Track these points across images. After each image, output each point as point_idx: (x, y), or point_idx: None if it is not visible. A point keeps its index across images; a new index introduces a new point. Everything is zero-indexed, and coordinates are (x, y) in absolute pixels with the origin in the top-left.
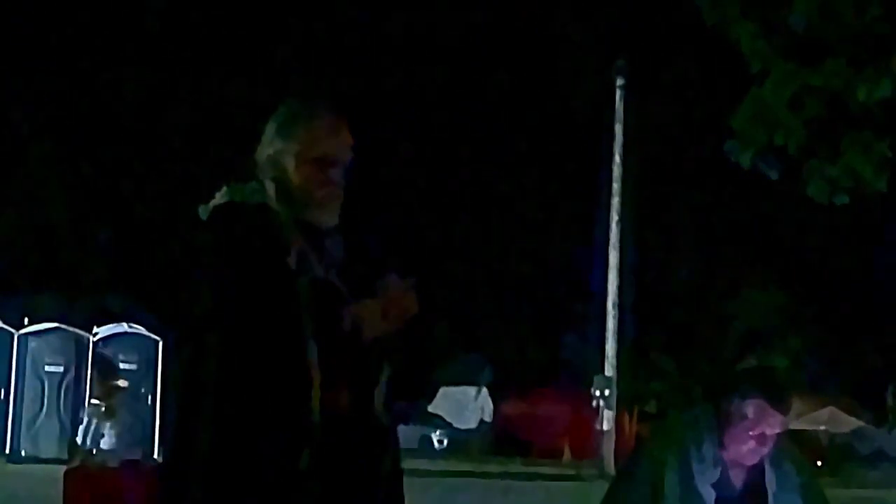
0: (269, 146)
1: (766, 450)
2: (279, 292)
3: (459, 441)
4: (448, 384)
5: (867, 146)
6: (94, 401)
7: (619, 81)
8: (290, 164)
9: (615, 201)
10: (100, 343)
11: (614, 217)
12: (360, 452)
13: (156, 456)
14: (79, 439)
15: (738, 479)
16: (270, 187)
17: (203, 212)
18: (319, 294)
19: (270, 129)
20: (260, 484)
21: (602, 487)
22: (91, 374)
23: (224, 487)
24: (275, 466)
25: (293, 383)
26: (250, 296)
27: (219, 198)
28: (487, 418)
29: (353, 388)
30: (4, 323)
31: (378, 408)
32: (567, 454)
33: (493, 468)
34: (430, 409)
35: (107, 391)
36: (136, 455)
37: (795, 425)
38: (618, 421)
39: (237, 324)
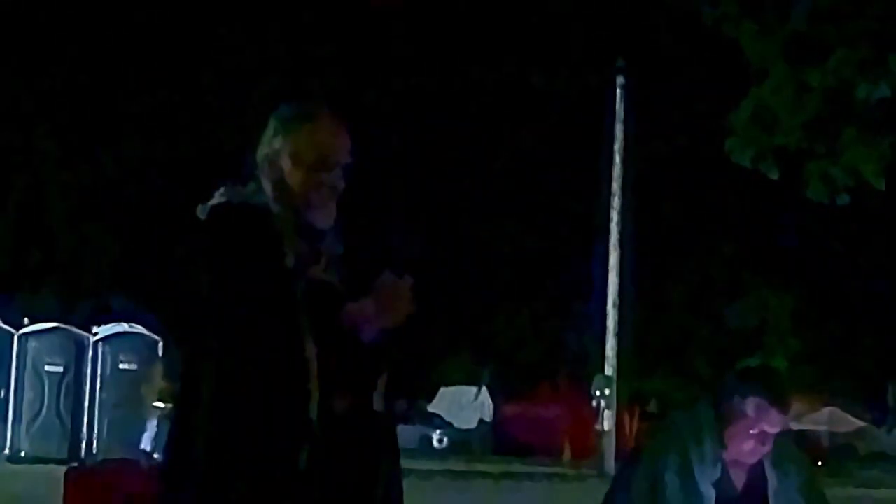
0: (267, 146)
1: (766, 449)
2: (277, 292)
3: (459, 441)
4: (448, 384)
5: (867, 146)
6: (157, 403)
7: (620, 81)
8: (287, 164)
9: (615, 201)
10: (100, 343)
11: (614, 217)
12: (359, 452)
13: (156, 456)
14: (146, 446)
15: (738, 478)
16: (268, 187)
17: (201, 212)
18: (317, 294)
19: (269, 129)
20: (258, 483)
21: (602, 487)
22: (157, 374)
23: (222, 487)
24: (273, 466)
25: (291, 383)
26: (248, 296)
27: (217, 197)
28: (487, 418)
29: (352, 388)
30: (4, 323)
31: (377, 407)
32: (567, 454)
33: (493, 468)
34: (430, 409)
35: (172, 393)
36: (137, 455)
37: (795, 425)
38: (618, 421)
39: (235, 324)
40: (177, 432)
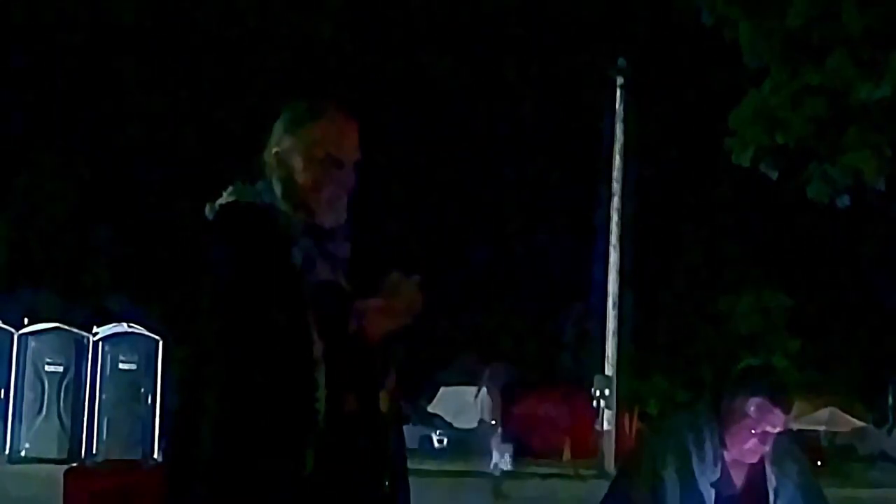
0: (276, 145)
1: (767, 448)
2: (285, 292)
3: (459, 441)
4: (448, 384)
5: (867, 146)
6: None
7: (619, 81)
8: (296, 163)
9: (615, 201)
10: (101, 343)
11: (614, 217)
12: (366, 453)
13: (155, 456)
14: None
15: (738, 478)
16: (277, 186)
17: (210, 211)
18: (325, 294)
19: (279, 127)
20: (264, 485)
21: (602, 487)
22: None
23: (228, 488)
24: (279, 467)
25: (298, 384)
26: (255, 295)
27: (226, 196)
28: (487, 418)
29: (359, 389)
30: (4, 323)
31: (384, 408)
32: (567, 454)
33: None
34: (430, 409)
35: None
36: (137, 455)
37: (795, 425)
38: (618, 421)
39: (242, 323)
40: (181, 433)
